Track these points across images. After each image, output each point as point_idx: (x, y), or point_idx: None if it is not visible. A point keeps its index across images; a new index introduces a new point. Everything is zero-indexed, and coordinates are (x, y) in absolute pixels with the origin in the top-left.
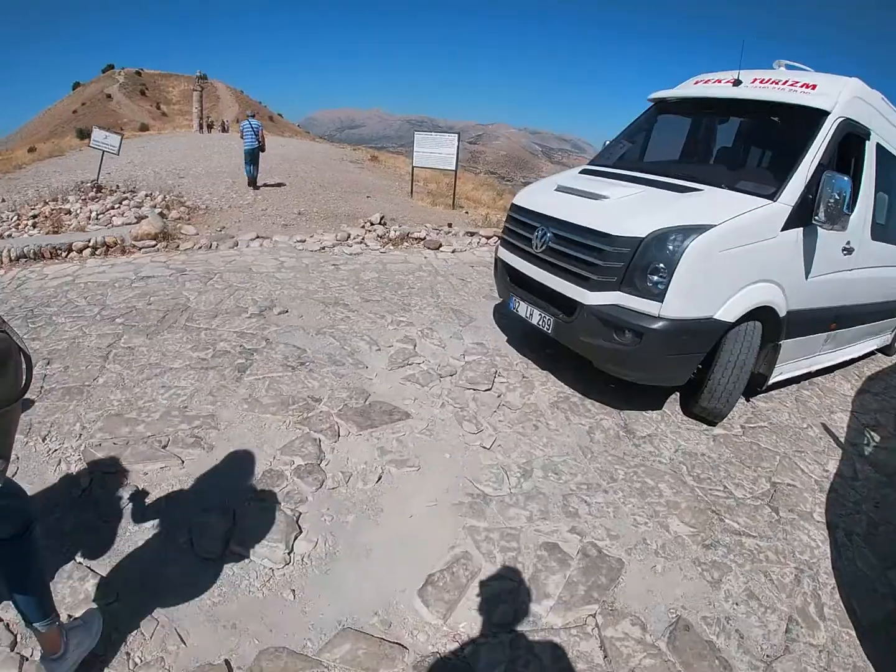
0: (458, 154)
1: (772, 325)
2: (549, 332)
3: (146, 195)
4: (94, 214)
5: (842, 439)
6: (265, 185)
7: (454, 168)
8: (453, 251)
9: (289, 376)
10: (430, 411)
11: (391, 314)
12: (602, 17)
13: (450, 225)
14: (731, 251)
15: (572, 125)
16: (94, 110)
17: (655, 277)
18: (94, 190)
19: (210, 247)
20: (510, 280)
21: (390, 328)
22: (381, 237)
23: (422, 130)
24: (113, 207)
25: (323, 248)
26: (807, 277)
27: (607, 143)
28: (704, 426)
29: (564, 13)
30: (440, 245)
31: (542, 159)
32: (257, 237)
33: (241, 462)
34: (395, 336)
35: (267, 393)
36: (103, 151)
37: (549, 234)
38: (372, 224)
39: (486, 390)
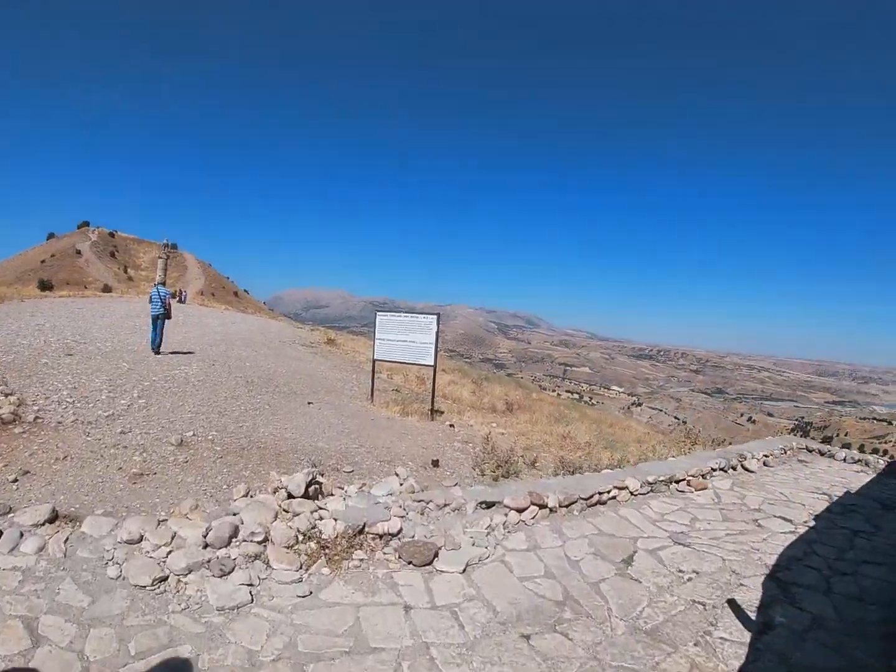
0: (437, 343)
1: None
2: None
3: None
4: None
5: None
6: (173, 352)
7: (433, 363)
8: (464, 569)
9: None
10: None
11: None
12: (546, 198)
13: (435, 464)
14: None
15: (524, 302)
16: (62, 264)
17: None
18: None
19: None
20: None
21: None
22: (304, 535)
23: (384, 310)
24: None
25: (164, 577)
26: None
27: None
28: None
29: (514, 202)
30: (434, 555)
31: (498, 336)
32: (52, 518)
33: None
34: None
35: None
36: None
37: None
38: (290, 496)
39: None
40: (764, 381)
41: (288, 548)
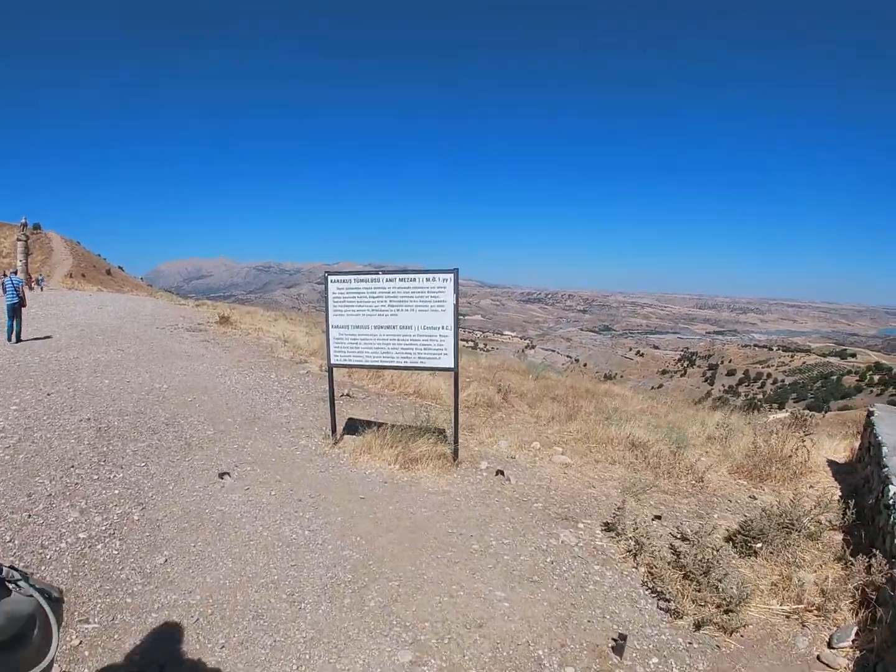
0: (456, 327)
1: None
2: None
3: None
4: None
5: None
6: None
7: (453, 367)
8: None
9: None
10: None
11: None
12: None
13: (619, 650)
14: None
15: (413, 255)
16: None
17: None
18: None
19: None
20: None
21: None
22: None
23: (334, 273)
24: None
25: None
26: None
27: None
28: None
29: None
30: None
31: None
32: None
33: None
34: None
35: None
36: None
37: None
38: None
39: None
40: (648, 316)
41: None
